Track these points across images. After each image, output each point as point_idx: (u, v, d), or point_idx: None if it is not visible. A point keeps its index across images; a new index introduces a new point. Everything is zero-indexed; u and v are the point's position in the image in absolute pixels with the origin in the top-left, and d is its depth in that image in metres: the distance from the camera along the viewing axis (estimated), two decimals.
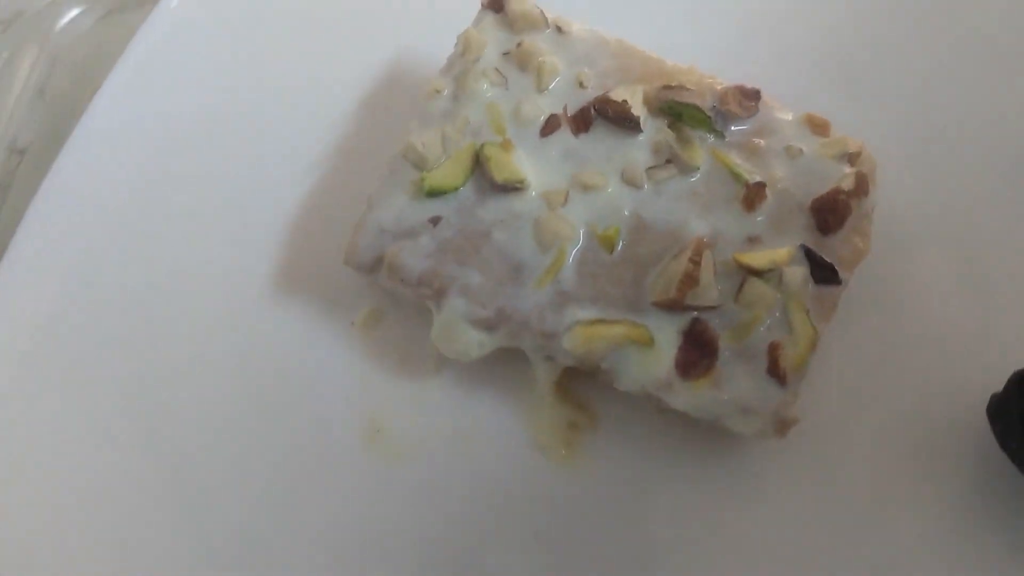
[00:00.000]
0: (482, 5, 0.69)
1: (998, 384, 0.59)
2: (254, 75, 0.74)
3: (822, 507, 0.62)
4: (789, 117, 0.65)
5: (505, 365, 0.65)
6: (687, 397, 0.58)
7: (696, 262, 0.59)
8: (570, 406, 0.64)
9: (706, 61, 0.68)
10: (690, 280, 0.58)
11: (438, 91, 0.67)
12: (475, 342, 0.62)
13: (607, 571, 0.60)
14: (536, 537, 0.61)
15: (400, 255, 0.63)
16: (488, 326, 0.61)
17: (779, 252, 0.60)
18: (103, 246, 0.69)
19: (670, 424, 0.63)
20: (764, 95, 0.65)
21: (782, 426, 0.58)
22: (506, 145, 0.64)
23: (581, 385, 0.65)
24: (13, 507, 0.61)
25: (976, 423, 0.60)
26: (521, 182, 0.62)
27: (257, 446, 0.64)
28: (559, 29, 0.68)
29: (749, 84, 0.65)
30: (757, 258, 0.59)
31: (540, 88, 0.66)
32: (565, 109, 0.65)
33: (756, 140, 0.64)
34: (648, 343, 0.59)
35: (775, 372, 0.58)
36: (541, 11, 0.68)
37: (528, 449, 0.64)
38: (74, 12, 0.91)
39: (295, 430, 0.64)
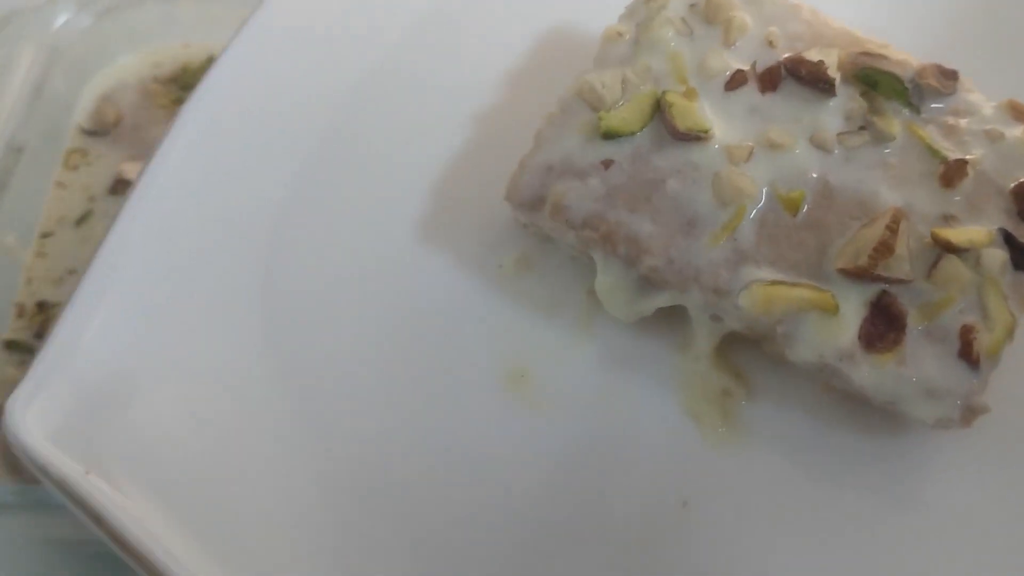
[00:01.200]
0: None
1: None
2: (418, 22, 0.72)
3: (994, 529, 0.57)
4: (989, 101, 0.61)
5: (660, 323, 0.61)
6: (869, 372, 0.54)
7: (893, 229, 0.55)
8: (727, 372, 0.60)
9: (900, 44, 0.65)
10: (885, 248, 0.55)
11: (620, 34, 0.64)
12: (638, 303, 0.59)
13: (750, 550, 0.56)
14: (684, 507, 0.57)
15: (567, 195, 0.59)
16: (655, 277, 0.58)
17: (978, 232, 0.56)
18: (255, 176, 0.66)
19: (835, 407, 0.59)
20: (962, 77, 0.62)
21: (969, 413, 0.54)
22: (690, 93, 0.61)
23: (738, 354, 0.61)
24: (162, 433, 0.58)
25: None
26: (705, 132, 0.59)
27: (400, 381, 0.60)
28: None
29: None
30: (956, 235, 0.56)
31: (727, 43, 0.63)
32: (753, 66, 0.62)
33: (953, 120, 0.61)
34: (832, 310, 0.55)
35: (967, 355, 0.54)
36: None
37: (679, 415, 0.60)
38: (72, 10, 0.92)
39: (438, 369, 0.61)
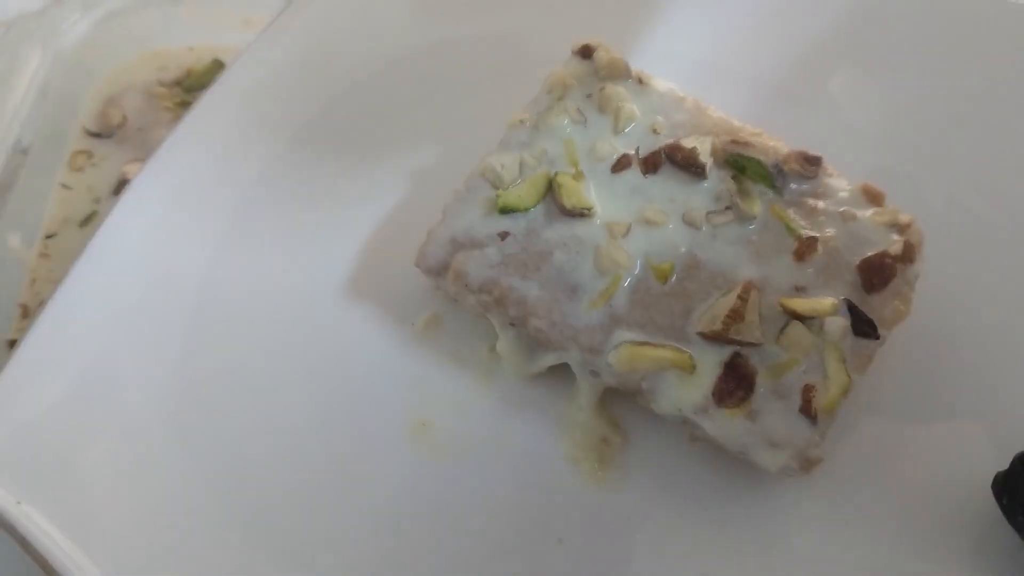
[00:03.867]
0: (572, 51, 0.75)
1: (1004, 462, 0.61)
2: (350, 100, 0.80)
3: (830, 564, 0.63)
4: (846, 185, 0.69)
5: (552, 377, 0.68)
6: (721, 424, 0.61)
7: (744, 299, 0.62)
8: (605, 423, 0.67)
9: (773, 131, 0.72)
10: (736, 315, 0.62)
11: (521, 121, 0.72)
12: (531, 363, 0.67)
13: None
14: (560, 544, 0.64)
15: (467, 262, 0.67)
16: (541, 337, 0.65)
17: (823, 302, 0.63)
18: (188, 238, 0.73)
19: (699, 456, 0.66)
20: (824, 163, 0.69)
21: (807, 463, 0.61)
22: (578, 176, 0.69)
23: (617, 407, 0.68)
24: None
25: (983, 495, 0.62)
26: (588, 210, 0.67)
27: (312, 430, 0.67)
28: (640, 81, 0.73)
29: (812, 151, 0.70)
30: (801, 304, 0.63)
31: (616, 130, 0.71)
32: (637, 151, 0.70)
33: (812, 201, 0.68)
34: (689, 369, 0.62)
35: (807, 411, 0.61)
36: (626, 63, 0.73)
37: (561, 460, 0.66)
38: (77, 13, 0.93)
39: (350, 418, 0.68)
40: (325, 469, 0.66)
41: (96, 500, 0.61)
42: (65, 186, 0.89)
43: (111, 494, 0.61)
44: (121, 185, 0.88)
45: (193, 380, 0.67)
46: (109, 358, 0.66)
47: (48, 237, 0.86)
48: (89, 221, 0.87)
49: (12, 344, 0.79)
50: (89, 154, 0.91)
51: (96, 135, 0.92)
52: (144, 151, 0.90)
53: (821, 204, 0.68)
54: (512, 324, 0.67)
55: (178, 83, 0.96)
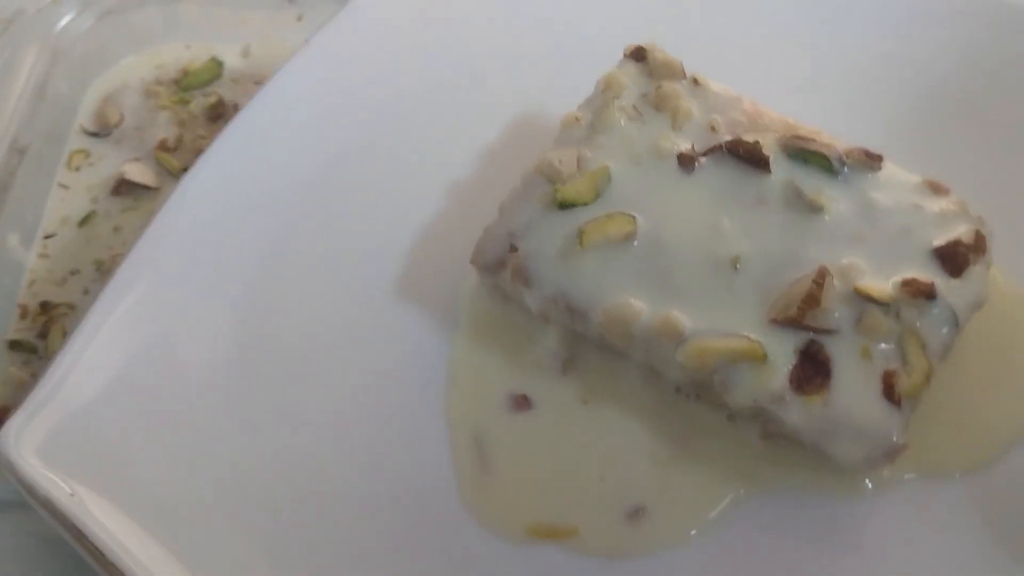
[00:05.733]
0: (624, 54, 0.74)
1: None
2: (407, 104, 0.80)
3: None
4: (911, 177, 0.68)
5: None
6: (800, 412, 0.59)
7: (819, 284, 0.60)
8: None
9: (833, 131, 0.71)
10: (812, 300, 0.60)
11: (577, 119, 0.71)
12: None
13: None
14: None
15: (525, 258, 0.65)
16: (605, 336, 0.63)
17: (899, 287, 0.61)
18: (245, 236, 0.71)
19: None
20: (887, 159, 0.68)
21: (892, 451, 0.58)
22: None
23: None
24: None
25: None
26: None
27: (361, 438, 0.66)
28: (696, 82, 0.72)
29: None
30: (878, 289, 0.61)
31: (674, 127, 0.70)
32: (693, 146, 0.68)
33: (878, 192, 0.66)
34: (761, 359, 0.59)
35: (889, 396, 0.58)
36: (680, 63, 0.72)
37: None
38: (74, 12, 0.93)
39: (395, 416, 0.67)
40: (369, 463, 0.64)
41: (153, 488, 0.58)
42: (63, 186, 0.88)
43: (168, 481, 0.58)
44: (120, 185, 0.87)
45: (246, 373, 0.65)
46: (163, 344, 0.64)
47: (47, 237, 0.85)
48: (88, 221, 0.86)
49: (12, 344, 0.78)
50: (87, 153, 0.90)
51: (94, 134, 0.92)
52: (142, 150, 0.90)
53: (887, 195, 0.66)
54: (573, 322, 0.65)
55: (176, 82, 0.95)
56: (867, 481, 0.63)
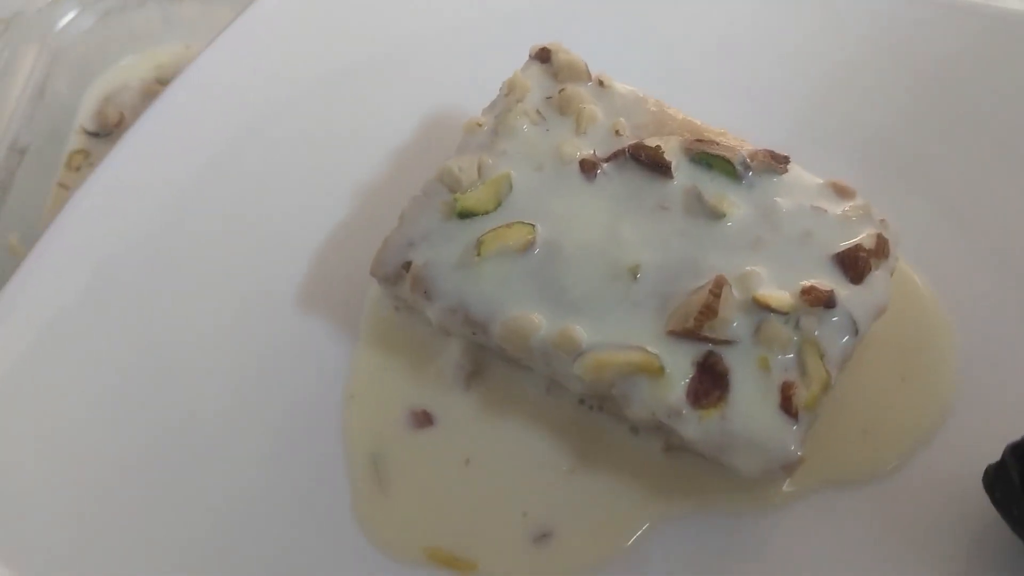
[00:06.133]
0: (529, 55, 0.72)
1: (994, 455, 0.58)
2: (312, 105, 0.78)
3: (819, 566, 0.61)
4: (816, 180, 0.67)
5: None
6: (697, 426, 0.58)
7: (716, 295, 0.59)
8: None
9: (737, 131, 0.70)
10: (709, 311, 0.59)
11: (479, 125, 0.69)
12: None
13: None
14: None
15: (424, 269, 0.64)
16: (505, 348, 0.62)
17: (799, 296, 0.60)
18: (137, 244, 0.70)
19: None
20: (794, 162, 0.67)
21: (790, 464, 0.57)
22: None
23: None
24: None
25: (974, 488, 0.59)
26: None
27: (255, 443, 0.65)
28: (601, 83, 0.71)
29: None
30: (777, 298, 0.60)
31: (578, 132, 0.68)
32: (594, 152, 0.67)
33: (781, 197, 0.65)
34: (658, 372, 0.58)
35: (787, 408, 0.57)
36: (585, 64, 0.71)
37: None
38: (74, 12, 0.93)
39: (296, 438, 0.66)
40: (262, 474, 0.64)
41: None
42: (63, 186, 0.87)
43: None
44: None
45: (137, 381, 0.65)
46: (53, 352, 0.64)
47: None
48: None
49: None
50: (87, 153, 0.90)
51: (94, 134, 0.91)
52: None
53: (790, 199, 0.65)
54: (474, 334, 0.64)
55: None
56: (773, 493, 0.62)
